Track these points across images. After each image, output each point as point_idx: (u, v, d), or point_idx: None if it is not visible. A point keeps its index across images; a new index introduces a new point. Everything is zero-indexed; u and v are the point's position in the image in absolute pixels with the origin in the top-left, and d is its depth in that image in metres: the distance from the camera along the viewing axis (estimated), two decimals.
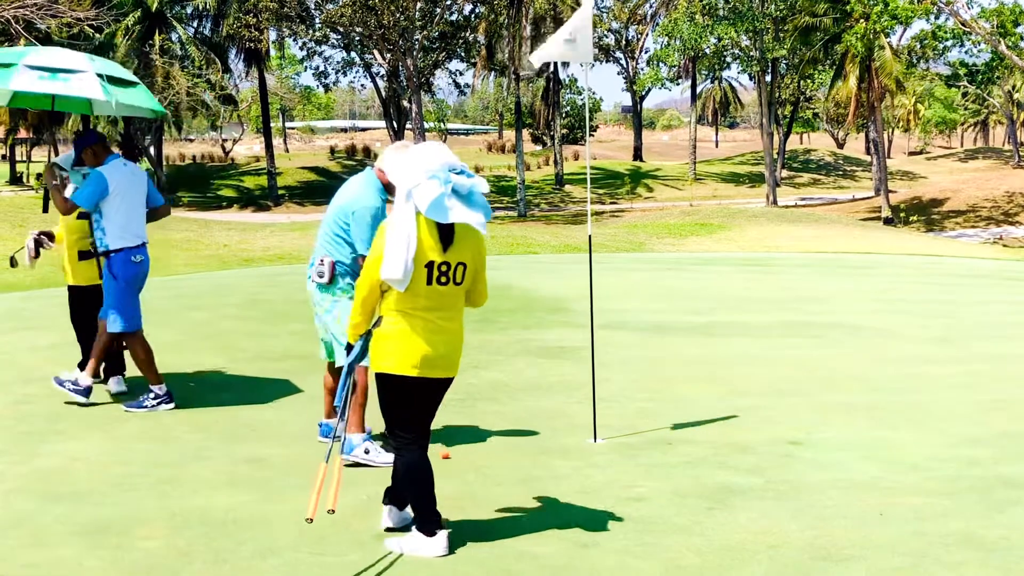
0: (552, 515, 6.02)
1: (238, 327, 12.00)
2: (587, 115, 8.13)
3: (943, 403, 8.79)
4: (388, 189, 6.74)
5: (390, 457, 7.32)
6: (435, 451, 7.19)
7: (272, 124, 74.51)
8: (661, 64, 67.31)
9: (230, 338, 11.37)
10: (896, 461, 7.08)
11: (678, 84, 66.44)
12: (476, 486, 6.59)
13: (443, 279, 5.25)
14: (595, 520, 5.93)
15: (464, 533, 5.72)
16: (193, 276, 19.78)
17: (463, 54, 59.78)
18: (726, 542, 5.61)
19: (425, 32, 52.56)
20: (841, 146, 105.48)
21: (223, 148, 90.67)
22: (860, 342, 11.64)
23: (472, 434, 7.76)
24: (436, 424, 7.75)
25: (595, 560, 5.38)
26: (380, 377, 5.39)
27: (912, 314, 13.67)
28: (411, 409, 5.42)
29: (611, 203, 68.74)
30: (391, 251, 5.13)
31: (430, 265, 5.21)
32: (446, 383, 5.48)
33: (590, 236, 8.03)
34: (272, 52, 68.68)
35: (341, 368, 7.14)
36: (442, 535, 5.41)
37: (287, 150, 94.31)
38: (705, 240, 35.56)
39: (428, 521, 5.42)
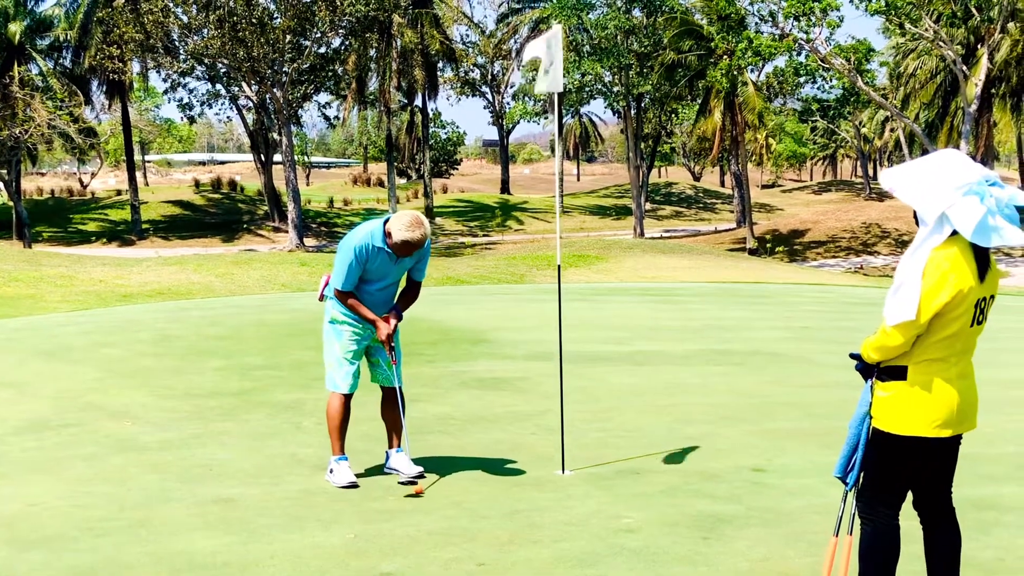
0: (551, 548, 5.96)
1: (158, 364, 11.63)
2: (560, 149, 8.14)
3: None
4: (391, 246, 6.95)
5: (345, 479, 7.15)
6: (406, 488, 7.10)
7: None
8: (528, 98, 68.07)
9: (153, 376, 11.01)
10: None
11: (547, 118, 67.03)
12: (462, 520, 6.48)
13: (980, 317, 4.48)
14: (596, 553, 5.89)
15: (471, 570, 5.63)
16: (93, 312, 19.13)
17: (332, 87, 59.51)
18: (732, 571, 5.63)
19: (295, 64, 52.14)
20: (697, 179, 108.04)
21: (80, 182, 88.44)
22: (782, 369, 11.85)
23: (437, 468, 7.62)
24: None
25: None
26: (890, 439, 4.53)
27: (822, 340, 13.99)
28: (914, 474, 4.63)
29: (483, 235, 69.00)
30: (912, 289, 4.33)
31: (979, 302, 4.43)
32: (960, 439, 4.69)
33: (559, 266, 8.01)
34: (135, 84, 67.21)
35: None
36: None
37: (147, 183, 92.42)
38: (585, 271, 35.85)
39: None
